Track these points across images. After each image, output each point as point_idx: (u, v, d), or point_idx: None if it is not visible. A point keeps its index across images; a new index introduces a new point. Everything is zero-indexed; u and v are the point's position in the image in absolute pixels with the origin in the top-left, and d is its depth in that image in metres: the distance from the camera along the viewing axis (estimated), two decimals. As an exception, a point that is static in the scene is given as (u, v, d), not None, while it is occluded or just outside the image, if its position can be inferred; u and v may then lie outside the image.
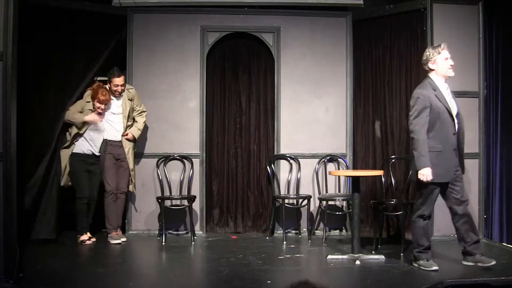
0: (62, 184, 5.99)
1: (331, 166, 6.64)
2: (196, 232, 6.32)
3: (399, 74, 6.49)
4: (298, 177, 6.56)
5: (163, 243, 6.01)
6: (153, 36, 6.57)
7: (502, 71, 5.97)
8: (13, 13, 4.22)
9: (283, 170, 6.64)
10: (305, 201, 6.39)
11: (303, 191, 6.53)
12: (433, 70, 4.71)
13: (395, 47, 6.52)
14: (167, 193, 6.39)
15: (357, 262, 5.00)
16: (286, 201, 6.33)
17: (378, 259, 5.14)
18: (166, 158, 6.48)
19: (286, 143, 6.64)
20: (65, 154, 5.96)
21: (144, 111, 6.30)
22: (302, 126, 6.64)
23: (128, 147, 6.13)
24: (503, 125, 5.92)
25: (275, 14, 6.70)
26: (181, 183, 6.47)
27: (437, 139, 4.60)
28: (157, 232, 6.35)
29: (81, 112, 5.96)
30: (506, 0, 5.83)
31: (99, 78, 6.48)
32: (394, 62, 6.52)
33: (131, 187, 6.21)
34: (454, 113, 4.62)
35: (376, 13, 6.65)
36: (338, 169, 6.63)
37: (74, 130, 5.93)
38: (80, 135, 5.95)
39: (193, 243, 6.04)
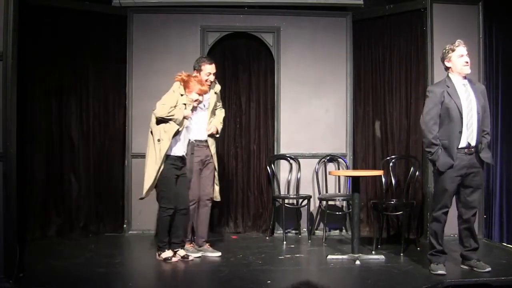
0: (146, 195, 5.14)
1: (331, 166, 6.64)
2: (196, 232, 6.32)
3: (399, 74, 6.49)
4: (298, 177, 6.56)
5: (163, 243, 6.01)
6: (153, 36, 6.57)
7: (502, 71, 5.97)
8: (13, 13, 4.22)
9: (283, 170, 6.64)
10: (305, 201, 6.39)
11: (303, 191, 6.53)
12: (449, 68, 4.67)
13: (395, 47, 6.52)
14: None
15: (357, 262, 5.00)
16: (286, 201, 6.33)
17: (378, 259, 5.14)
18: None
19: (286, 143, 6.64)
20: (157, 157, 5.05)
21: (222, 107, 5.70)
22: (302, 126, 6.65)
23: (213, 145, 5.47)
24: (503, 125, 5.93)
25: (275, 14, 6.70)
26: (181, 183, 6.45)
27: (444, 135, 4.56)
28: (157, 232, 6.35)
29: (174, 106, 5.10)
30: (506, 0, 5.83)
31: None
32: (394, 62, 6.52)
33: (216, 194, 5.50)
34: (464, 111, 4.51)
35: (376, 13, 6.64)
36: (338, 169, 6.63)
37: (173, 128, 5.03)
38: (175, 134, 5.06)
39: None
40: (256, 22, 6.71)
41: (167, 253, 5.11)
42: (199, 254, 5.28)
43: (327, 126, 6.67)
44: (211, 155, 5.43)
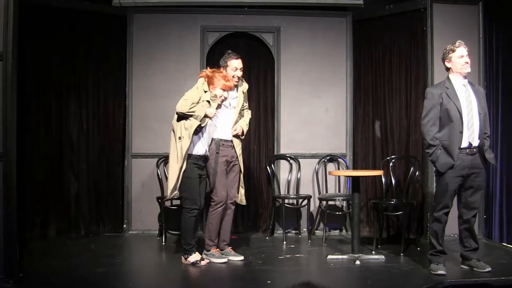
0: (171, 196, 5.01)
1: (331, 166, 6.64)
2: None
3: (399, 74, 6.49)
4: (298, 177, 6.56)
5: (163, 243, 6.01)
6: (153, 36, 6.57)
7: (502, 71, 5.96)
8: (13, 13, 4.21)
9: (283, 170, 6.64)
10: (305, 201, 6.39)
11: (303, 191, 6.52)
12: (450, 68, 4.67)
13: (395, 47, 6.52)
14: (167, 193, 6.38)
15: (357, 262, 4.99)
16: (286, 201, 6.33)
17: (378, 259, 5.14)
18: (166, 158, 6.46)
19: (286, 143, 6.64)
20: (178, 156, 4.87)
21: (248, 108, 5.49)
22: (302, 126, 6.65)
23: (239, 146, 5.25)
24: (503, 125, 5.92)
25: (275, 14, 6.70)
26: (181, 183, 6.45)
27: (445, 136, 4.55)
28: (157, 232, 6.35)
29: (197, 103, 4.88)
30: (506, 0, 5.83)
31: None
32: (394, 62, 6.53)
33: (241, 197, 5.27)
34: (464, 111, 4.52)
35: (376, 13, 6.65)
36: (338, 169, 6.63)
37: (193, 125, 4.83)
38: (196, 132, 4.88)
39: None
40: (256, 22, 6.71)
41: (195, 256, 4.94)
42: (224, 260, 5.06)
43: (327, 126, 6.67)
44: (237, 156, 5.21)
